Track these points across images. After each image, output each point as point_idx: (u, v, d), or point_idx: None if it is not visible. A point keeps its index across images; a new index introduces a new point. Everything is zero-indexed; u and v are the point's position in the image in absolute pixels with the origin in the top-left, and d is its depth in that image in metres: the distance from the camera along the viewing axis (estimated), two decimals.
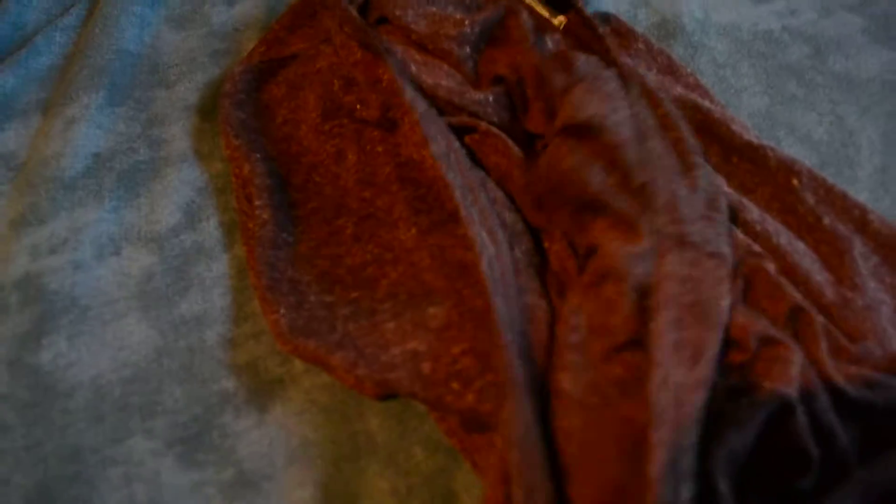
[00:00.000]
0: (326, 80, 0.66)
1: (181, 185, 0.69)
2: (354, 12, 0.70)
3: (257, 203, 0.64)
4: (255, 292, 0.61)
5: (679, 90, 0.67)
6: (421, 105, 0.65)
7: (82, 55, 0.78)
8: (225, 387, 0.58)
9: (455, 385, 0.52)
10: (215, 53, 0.80)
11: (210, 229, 0.67)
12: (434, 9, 0.71)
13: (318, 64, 0.67)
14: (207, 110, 0.75)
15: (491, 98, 0.66)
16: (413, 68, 0.67)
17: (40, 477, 0.55)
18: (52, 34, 0.81)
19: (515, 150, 0.64)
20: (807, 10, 0.81)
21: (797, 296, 0.55)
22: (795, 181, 0.61)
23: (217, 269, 0.64)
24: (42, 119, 0.75)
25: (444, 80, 0.67)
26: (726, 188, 0.61)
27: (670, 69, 0.71)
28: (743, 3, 0.82)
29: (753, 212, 0.60)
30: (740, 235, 0.58)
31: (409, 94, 0.64)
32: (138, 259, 0.65)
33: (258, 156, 0.67)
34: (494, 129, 0.65)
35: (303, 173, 0.66)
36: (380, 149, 0.64)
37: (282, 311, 0.59)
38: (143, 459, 0.55)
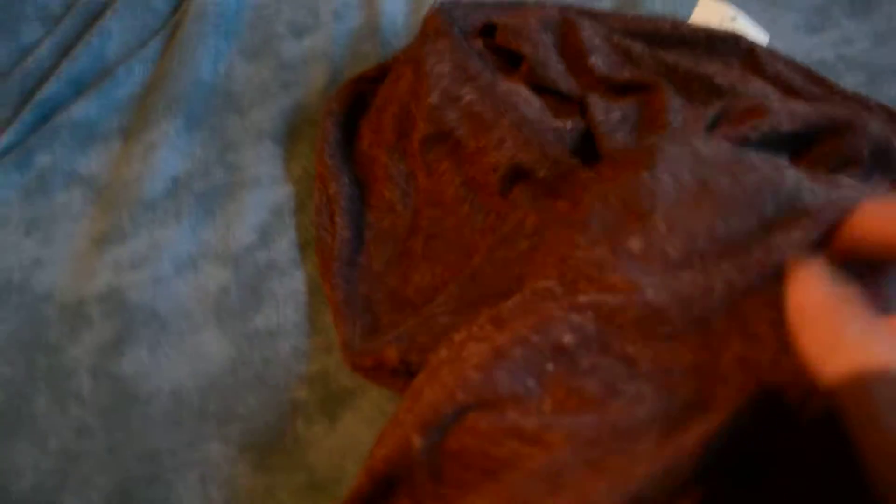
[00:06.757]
0: (404, 101, 0.68)
1: (255, 207, 0.72)
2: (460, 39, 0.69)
3: (338, 221, 0.66)
4: (330, 305, 0.63)
5: None
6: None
7: (161, 85, 0.83)
8: (297, 396, 0.60)
9: None
10: (286, 84, 0.84)
11: (283, 248, 0.69)
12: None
13: (400, 86, 0.69)
14: (279, 136, 0.78)
15: (569, 125, 0.65)
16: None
17: (120, 478, 0.58)
18: (131, 65, 0.85)
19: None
20: (861, 39, 0.82)
21: None
22: None
23: (290, 286, 0.67)
24: (123, 144, 0.79)
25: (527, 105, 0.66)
26: None
27: None
28: (798, 32, 0.84)
29: None
30: None
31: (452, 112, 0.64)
32: (215, 275, 0.68)
33: (345, 179, 0.69)
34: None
35: (379, 193, 0.69)
36: (444, 167, 0.66)
37: (357, 329, 0.60)
38: (218, 463, 0.58)
